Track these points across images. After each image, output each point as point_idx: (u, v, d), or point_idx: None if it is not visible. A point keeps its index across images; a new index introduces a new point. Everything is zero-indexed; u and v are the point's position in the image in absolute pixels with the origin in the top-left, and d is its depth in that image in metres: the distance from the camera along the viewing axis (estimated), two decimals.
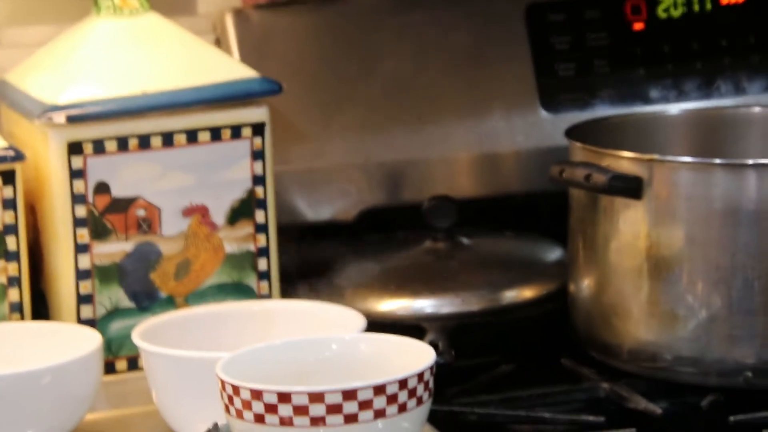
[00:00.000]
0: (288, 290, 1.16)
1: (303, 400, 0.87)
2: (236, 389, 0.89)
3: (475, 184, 1.27)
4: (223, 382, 0.90)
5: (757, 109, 1.23)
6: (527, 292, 1.15)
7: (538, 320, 1.14)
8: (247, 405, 0.88)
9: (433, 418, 0.92)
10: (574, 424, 1.02)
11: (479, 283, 1.14)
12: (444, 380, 0.98)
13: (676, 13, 1.31)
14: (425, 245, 1.20)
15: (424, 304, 1.13)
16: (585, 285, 1.11)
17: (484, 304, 1.13)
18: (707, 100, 1.31)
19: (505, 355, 1.12)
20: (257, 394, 0.88)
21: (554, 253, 1.20)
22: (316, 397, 0.86)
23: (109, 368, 1.09)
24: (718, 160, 1.05)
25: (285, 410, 0.87)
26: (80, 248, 1.08)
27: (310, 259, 1.21)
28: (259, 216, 1.12)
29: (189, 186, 1.10)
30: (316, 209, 1.24)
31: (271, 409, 0.87)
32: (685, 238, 1.04)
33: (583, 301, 1.11)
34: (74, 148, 1.07)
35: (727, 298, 1.03)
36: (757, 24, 1.33)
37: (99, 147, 1.08)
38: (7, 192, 1.07)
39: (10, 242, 1.07)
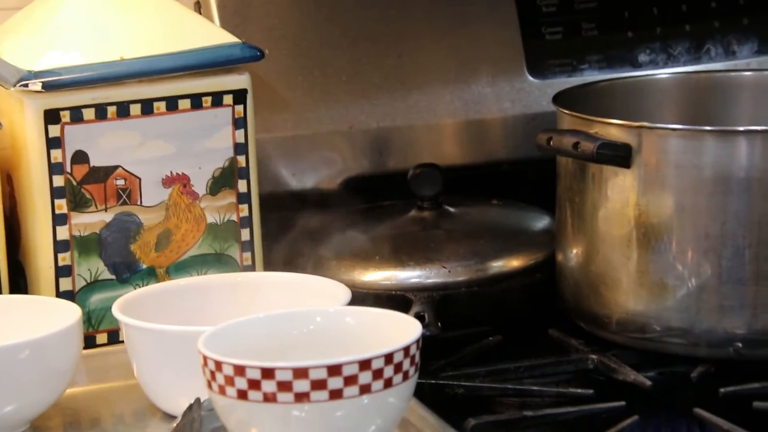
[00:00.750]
0: (271, 261, 1.14)
1: (287, 376, 0.85)
2: (218, 365, 0.87)
3: (461, 151, 1.26)
4: (205, 358, 0.88)
5: (748, 73, 1.22)
6: (515, 262, 1.13)
7: (526, 290, 1.13)
8: (229, 381, 0.87)
9: (419, 391, 0.91)
10: (562, 397, 1.01)
11: (466, 252, 1.13)
12: (430, 353, 0.97)
13: None
14: (411, 214, 1.19)
15: (410, 275, 1.12)
16: (573, 254, 1.09)
17: (471, 275, 1.12)
18: (697, 64, 1.30)
19: (492, 327, 1.11)
20: (240, 370, 0.86)
21: (542, 222, 1.19)
22: (301, 373, 0.85)
23: (89, 342, 1.08)
24: (708, 127, 1.03)
25: (268, 386, 0.85)
26: (58, 219, 1.07)
27: (294, 229, 1.20)
28: (242, 185, 1.10)
29: (169, 155, 1.08)
30: (299, 178, 1.23)
31: (254, 385, 0.86)
32: (674, 206, 1.03)
33: (571, 271, 1.10)
34: (51, 116, 1.05)
35: (717, 267, 1.02)
36: None
37: (76, 115, 1.06)
38: None
39: None
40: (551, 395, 1.01)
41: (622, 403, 0.97)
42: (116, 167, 1.07)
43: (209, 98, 1.08)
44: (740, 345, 1.03)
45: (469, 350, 1.08)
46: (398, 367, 0.87)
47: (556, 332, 1.10)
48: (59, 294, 1.07)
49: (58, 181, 1.06)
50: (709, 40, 1.31)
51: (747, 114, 1.19)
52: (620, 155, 1.03)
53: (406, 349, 0.87)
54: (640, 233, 1.04)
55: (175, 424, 0.91)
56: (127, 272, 1.09)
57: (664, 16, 1.30)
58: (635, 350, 1.06)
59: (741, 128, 1.04)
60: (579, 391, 1.01)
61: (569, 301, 1.11)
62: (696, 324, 1.03)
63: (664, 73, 1.26)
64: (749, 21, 1.31)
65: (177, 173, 1.09)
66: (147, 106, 1.07)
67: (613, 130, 1.04)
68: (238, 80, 1.09)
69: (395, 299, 1.10)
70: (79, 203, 1.07)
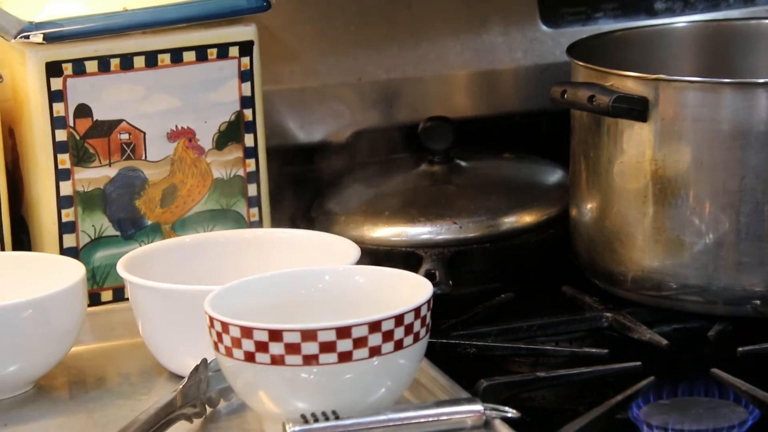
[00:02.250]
0: (279, 217, 1.12)
1: (295, 338, 0.84)
2: (225, 326, 0.86)
3: (473, 103, 1.24)
4: (211, 319, 0.87)
5: (767, 21, 1.19)
6: (527, 218, 1.11)
7: (539, 247, 1.11)
8: (236, 343, 0.85)
9: (429, 351, 0.90)
10: (576, 357, 0.99)
11: (477, 208, 1.11)
12: (441, 311, 0.95)
13: None
14: (421, 168, 1.17)
15: (421, 231, 1.10)
16: (587, 209, 1.07)
17: (483, 231, 1.10)
18: (714, 11, 1.28)
19: (505, 284, 1.09)
20: (247, 332, 0.85)
21: (555, 176, 1.17)
22: (309, 335, 0.84)
23: (94, 299, 1.06)
24: (726, 80, 1.01)
25: (276, 348, 0.84)
26: (61, 174, 1.05)
27: (302, 184, 1.18)
28: (248, 139, 1.08)
29: (174, 108, 1.06)
30: (307, 131, 1.21)
31: (261, 347, 0.84)
32: (691, 160, 1.01)
33: (585, 227, 1.08)
34: (53, 69, 1.04)
35: (735, 223, 1.00)
36: None
37: (79, 67, 1.04)
38: None
39: None
40: (565, 355, 0.99)
41: (638, 363, 0.96)
42: (120, 121, 1.06)
43: (215, 50, 1.06)
44: (758, 303, 1.01)
45: (480, 308, 1.06)
46: (409, 329, 0.85)
47: (570, 289, 1.08)
48: (63, 250, 1.05)
49: (61, 135, 1.05)
50: None
51: (766, 64, 1.17)
52: (636, 109, 1.01)
53: (416, 311, 0.86)
54: (656, 188, 1.02)
55: (181, 385, 0.90)
56: (132, 228, 1.07)
57: None
58: (651, 308, 1.04)
59: (761, 80, 1.02)
60: (593, 350, 0.99)
61: (583, 257, 1.09)
62: (713, 281, 1.01)
63: (681, 21, 1.24)
64: None
65: (182, 127, 1.07)
66: (151, 59, 1.05)
67: (630, 82, 1.02)
68: (244, 31, 1.07)
69: (405, 256, 1.08)
70: (82, 158, 1.05)
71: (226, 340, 0.86)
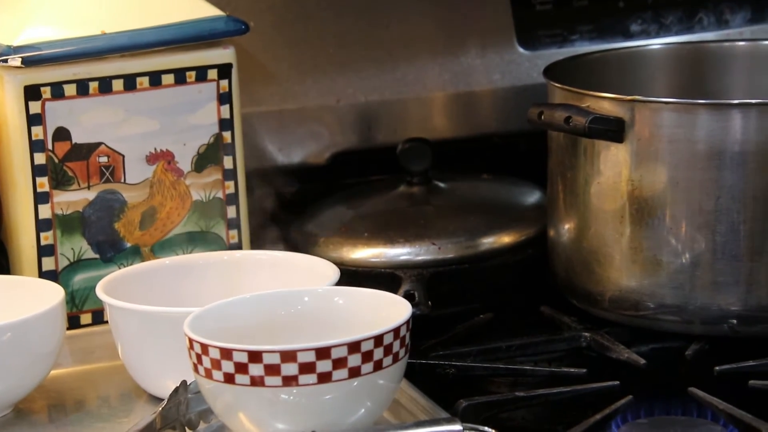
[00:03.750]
0: (258, 238, 1.13)
1: (274, 359, 0.84)
2: (205, 348, 0.86)
3: (451, 124, 1.25)
4: (191, 341, 0.87)
5: (741, 43, 1.20)
6: (505, 238, 1.12)
7: (517, 267, 1.11)
8: (216, 364, 0.85)
9: (409, 372, 0.90)
10: (555, 377, 0.99)
11: (456, 229, 1.12)
12: (420, 331, 0.95)
13: None
14: (400, 190, 1.17)
15: (400, 252, 1.10)
16: (565, 230, 1.08)
17: (461, 251, 1.11)
18: (689, 33, 1.29)
19: (483, 304, 1.09)
20: (227, 353, 0.85)
21: (533, 197, 1.17)
22: (288, 356, 0.84)
23: (73, 322, 1.06)
24: (701, 100, 1.02)
25: (256, 370, 0.84)
26: (40, 197, 1.05)
27: (281, 206, 1.18)
28: (227, 162, 1.09)
29: (153, 131, 1.06)
30: (286, 153, 1.22)
31: (241, 368, 0.84)
32: (668, 181, 1.01)
33: (563, 247, 1.08)
34: (31, 93, 1.04)
35: (711, 243, 1.01)
36: None
37: (57, 91, 1.04)
38: None
39: None
40: (544, 375, 1.00)
41: (616, 382, 0.96)
42: (99, 144, 1.06)
43: (193, 73, 1.07)
44: (735, 322, 1.01)
45: (459, 329, 1.07)
46: (388, 349, 0.86)
47: (548, 309, 1.09)
48: (42, 274, 1.05)
49: (40, 158, 1.05)
50: (702, 9, 1.29)
51: (741, 84, 1.18)
52: (612, 129, 1.02)
53: (395, 331, 0.86)
54: (633, 209, 1.03)
55: (161, 407, 0.90)
56: (111, 251, 1.07)
57: None
58: (628, 328, 1.04)
59: (735, 101, 1.03)
60: (572, 370, 0.99)
61: (561, 277, 1.09)
62: (690, 301, 1.02)
63: (656, 43, 1.25)
64: None
65: (161, 150, 1.07)
66: (129, 82, 1.05)
67: (606, 103, 1.02)
68: (223, 54, 1.07)
69: (384, 277, 1.09)
70: (61, 181, 1.05)
71: (206, 361, 0.86)
